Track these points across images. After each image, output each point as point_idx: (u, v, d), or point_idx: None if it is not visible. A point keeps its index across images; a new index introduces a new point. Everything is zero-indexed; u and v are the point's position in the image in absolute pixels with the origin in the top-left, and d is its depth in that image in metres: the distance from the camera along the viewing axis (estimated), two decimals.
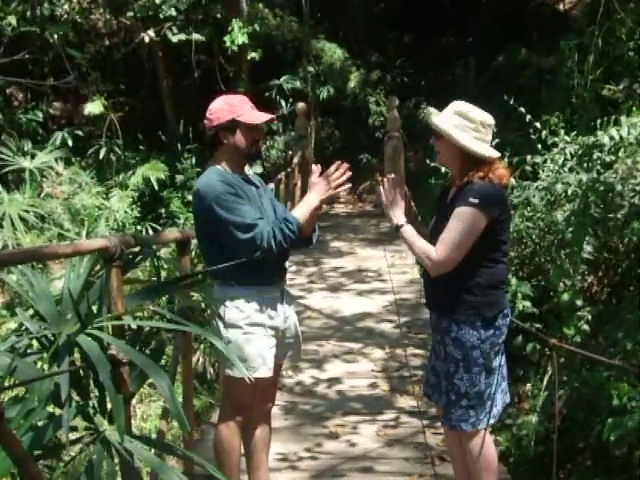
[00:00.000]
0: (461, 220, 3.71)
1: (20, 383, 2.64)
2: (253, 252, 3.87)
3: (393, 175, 4.12)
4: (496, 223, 3.73)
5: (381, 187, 4.03)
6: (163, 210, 15.16)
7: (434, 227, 3.90)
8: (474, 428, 3.89)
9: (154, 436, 5.95)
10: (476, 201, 3.67)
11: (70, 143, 15.72)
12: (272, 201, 4.30)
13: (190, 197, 13.67)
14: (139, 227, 14.08)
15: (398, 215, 3.97)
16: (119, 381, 2.91)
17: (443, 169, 8.26)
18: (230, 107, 4.05)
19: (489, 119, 3.84)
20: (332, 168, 3.95)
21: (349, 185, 3.99)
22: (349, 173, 3.96)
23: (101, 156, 15.80)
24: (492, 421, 3.97)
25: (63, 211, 13.69)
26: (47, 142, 15.58)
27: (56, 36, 15.30)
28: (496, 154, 3.86)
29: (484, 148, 3.79)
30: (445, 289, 3.86)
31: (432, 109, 3.97)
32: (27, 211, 12.65)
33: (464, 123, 3.78)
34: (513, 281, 7.19)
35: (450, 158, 3.89)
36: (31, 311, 3.13)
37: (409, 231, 3.92)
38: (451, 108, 3.87)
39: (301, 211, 3.99)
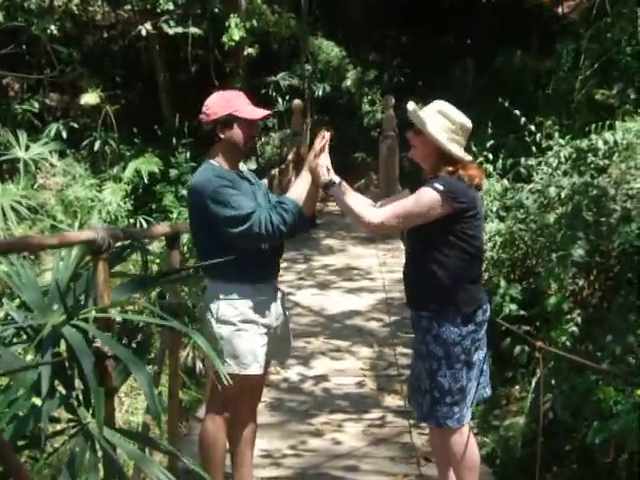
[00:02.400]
0: (418, 197, 3.75)
1: (3, 373, 2.63)
2: (253, 242, 3.87)
3: (325, 132, 4.15)
4: (463, 217, 3.75)
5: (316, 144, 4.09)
6: (156, 204, 15.12)
7: None
8: (459, 424, 3.92)
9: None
10: (441, 187, 3.71)
11: (65, 135, 15.68)
12: (266, 195, 4.29)
13: (184, 192, 13.66)
14: (132, 220, 14.04)
15: (328, 172, 4.02)
16: (103, 374, 2.90)
17: None
18: (227, 102, 4.05)
19: (469, 123, 3.90)
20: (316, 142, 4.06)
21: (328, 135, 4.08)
22: (327, 134, 4.06)
23: (96, 148, 15.76)
24: (470, 414, 4.00)
25: (56, 202, 13.67)
26: (42, 133, 15.54)
27: (55, 28, 15.20)
28: (469, 158, 3.91)
29: (460, 151, 3.83)
30: (424, 286, 3.90)
31: (412, 104, 3.95)
32: (20, 202, 12.61)
33: (446, 124, 3.81)
34: (502, 283, 7.20)
35: (425, 154, 3.91)
36: (18, 301, 3.12)
37: (346, 188, 3.95)
38: (434, 107, 3.89)
39: (295, 190, 4.01)
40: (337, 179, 3.99)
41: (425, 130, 3.80)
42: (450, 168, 3.79)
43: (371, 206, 4.05)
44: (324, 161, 4.02)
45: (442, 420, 3.93)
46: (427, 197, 3.71)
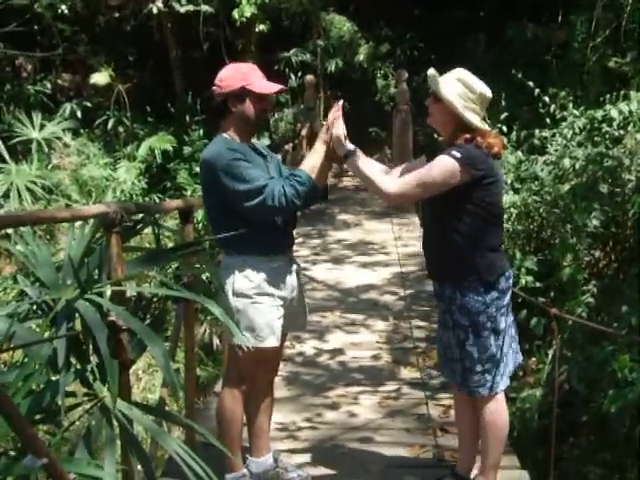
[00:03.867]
0: (436, 165, 3.72)
1: (17, 346, 2.64)
2: (267, 215, 3.87)
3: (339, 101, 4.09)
4: (481, 185, 3.72)
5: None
6: (170, 182, 15.12)
7: None
8: (492, 392, 3.92)
9: None
10: (458, 155, 3.67)
11: (79, 114, 15.69)
12: (279, 168, 4.28)
13: (197, 169, 13.65)
14: (146, 199, 14.07)
15: (344, 140, 3.96)
16: (118, 347, 2.91)
17: None
18: (241, 75, 4.01)
19: (488, 92, 3.84)
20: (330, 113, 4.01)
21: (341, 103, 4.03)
22: (341, 102, 4.02)
23: (109, 127, 15.76)
24: (507, 382, 4.00)
25: (71, 182, 13.71)
26: (55, 113, 15.54)
27: (65, 8, 15.18)
28: (486, 127, 3.87)
29: (476, 119, 3.79)
30: (444, 256, 3.88)
31: (433, 72, 3.91)
32: (34, 182, 12.66)
33: (466, 93, 3.76)
34: (518, 255, 7.19)
35: (443, 122, 3.88)
36: (33, 278, 3.13)
37: (363, 157, 3.92)
38: (454, 75, 3.84)
39: (308, 162, 3.99)
40: (352, 147, 3.94)
41: (442, 96, 3.77)
42: (468, 136, 3.75)
43: (387, 174, 4.03)
44: (339, 130, 3.96)
45: (474, 389, 3.93)
46: (445, 165, 3.68)
